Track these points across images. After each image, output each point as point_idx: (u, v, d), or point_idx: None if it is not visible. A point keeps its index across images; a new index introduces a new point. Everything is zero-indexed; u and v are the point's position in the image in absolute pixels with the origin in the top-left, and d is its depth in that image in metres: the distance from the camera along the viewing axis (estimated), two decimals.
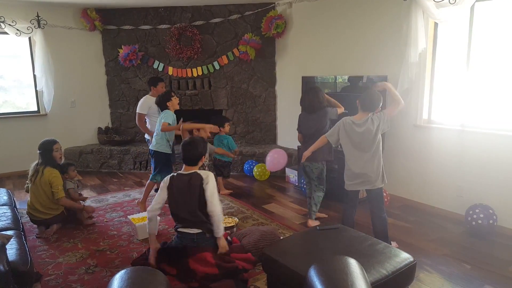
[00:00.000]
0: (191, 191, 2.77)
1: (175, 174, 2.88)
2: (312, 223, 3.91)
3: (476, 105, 3.89)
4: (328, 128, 3.71)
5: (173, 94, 4.23)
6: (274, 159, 4.52)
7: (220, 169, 4.84)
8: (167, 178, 2.89)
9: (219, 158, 4.77)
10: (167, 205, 2.95)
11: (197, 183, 2.77)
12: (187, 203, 2.78)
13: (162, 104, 4.21)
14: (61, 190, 3.71)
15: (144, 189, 4.44)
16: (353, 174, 3.26)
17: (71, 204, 3.85)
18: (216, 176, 4.76)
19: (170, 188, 2.84)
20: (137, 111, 4.69)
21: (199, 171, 2.84)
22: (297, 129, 4.02)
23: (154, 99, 4.45)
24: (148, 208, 2.96)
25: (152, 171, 4.35)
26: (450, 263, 3.13)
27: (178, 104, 4.29)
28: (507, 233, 3.62)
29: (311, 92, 3.85)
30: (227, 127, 4.79)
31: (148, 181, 4.33)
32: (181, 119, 4.17)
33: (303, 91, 3.87)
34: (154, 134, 4.28)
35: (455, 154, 3.99)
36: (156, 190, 4.16)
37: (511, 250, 3.33)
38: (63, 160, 4.03)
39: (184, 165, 2.91)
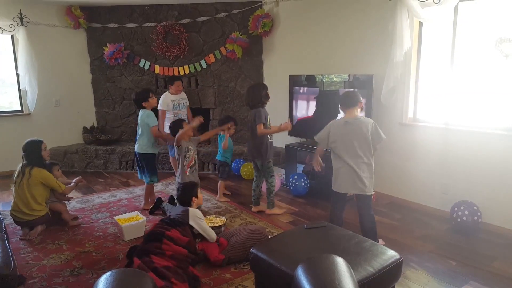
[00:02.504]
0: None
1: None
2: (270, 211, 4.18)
3: (460, 104, 3.94)
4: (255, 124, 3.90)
5: (151, 94, 4.22)
6: None
7: (218, 169, 4.73)
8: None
9: (218, 159, 4.69)
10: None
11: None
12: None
13: (138, 103, 4.23)
14: (59, 184, 3.77)
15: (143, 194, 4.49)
16: (342, 177, 3.25)
17: (72, 188, 3.97)
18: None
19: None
20: (158, 107, 4.90)
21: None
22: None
23: (171, 96, 5.08)
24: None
25: (145, 174, 4.31)
26: (436, 259, 3.17)
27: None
28: (491, 230, 3.69)
29: (251, 87, 4.04)
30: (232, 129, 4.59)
31: (146, 185, 4.35)
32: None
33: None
34: (138, 136, 4.26)
35: (440, 152, 4.05)
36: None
37: (495, 246, 3.40)
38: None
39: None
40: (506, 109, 3.58)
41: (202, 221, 3.18)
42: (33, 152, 3.69)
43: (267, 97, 3.99)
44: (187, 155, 3.92)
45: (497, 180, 3.65)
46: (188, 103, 5.46)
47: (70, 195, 4.36)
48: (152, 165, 4.30)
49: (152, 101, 4.22)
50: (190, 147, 3.93)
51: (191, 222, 3.09)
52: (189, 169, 3.93)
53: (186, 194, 3.26)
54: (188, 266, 2.82)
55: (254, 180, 4.24)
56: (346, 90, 3.49)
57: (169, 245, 2.83)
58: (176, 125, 4.00)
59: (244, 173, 5.43)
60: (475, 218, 3.61)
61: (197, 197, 3.31)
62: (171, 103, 5.06)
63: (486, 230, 3.68)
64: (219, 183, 4.69)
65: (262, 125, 3.89)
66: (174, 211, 3.24)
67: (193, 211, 3.16)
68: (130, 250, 2.99)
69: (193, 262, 2.92)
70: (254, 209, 4.24)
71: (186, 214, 3.12)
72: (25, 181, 3.59)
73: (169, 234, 2.89)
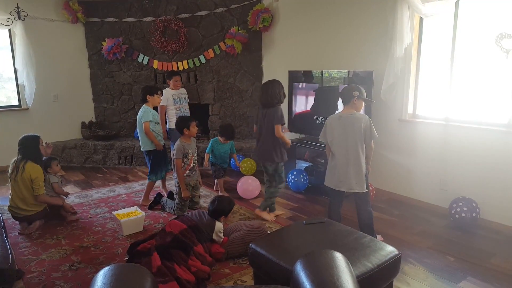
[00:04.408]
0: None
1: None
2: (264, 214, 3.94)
3: (460, 100, 3.94)
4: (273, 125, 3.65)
5: (159, 92, 4.31)
6: (245, 190, 4.56)
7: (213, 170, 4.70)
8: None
9: (211, 161, 4.65)
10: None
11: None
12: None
13: (143, 95, 4.26)
14: (42, 187, 3.64)
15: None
16: (334, 173, 3.26)
17: (50, 200, 3.78)
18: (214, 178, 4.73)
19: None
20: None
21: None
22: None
23: (171, 91, 5.10)
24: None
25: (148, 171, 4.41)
26: (434, 255, 3.18)
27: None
28: (489, 226, 3.69)
29: (269, 84, 3.73)
30: (224, 141, 4.57)
31: (147, 181, 4.39)
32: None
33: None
34: (138, 132, 4.33)
35: (439, 148, 4.04)
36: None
37: (493, 243, 3.40)
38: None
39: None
40: (506, 106, 3.57)
41: (221, 234, 3.20)
42: (30, 147, 3.66)
43: (284, 96, 3.75)
44: (185, 160, 3.89)
45: (496, 177, 3.65)
46: (188, 100, 5.45)
47: (67, 190, 4.37)
48: (152, 162, 4.30)
49: (157, 99, 4.28)
50: (189, 150, 3.91)
51: (214, 237, 3.13)
52: (188, 171, 3.91)
53: (217, 211, 3.23)
54: (205, 280, 2.79)
55: (266, 186, 3.96)
56: (345, 85, 3.40)
57: (195, 262, 2.83)
58: (184, 121, 3.96)
59: (244, 168, 5.42)
60: (474, 214, 3.62)
61: (226, 216, 3.33)
62: (171, 97, 5.09)
63: (484, 227, 3.69)
64: (216, 181, 4.68)
65: (280, 127, 3.65)
66: (201, 218, 3.19)
67: (218, 227, 3.18)
68: (131, 246, 2.98)
69: (208, 278, 2.86)
70: (272, 214, 4.00)
71: (212, 228, 3.13)
72: (19, 176, 3.57)
73: (197, 250, 2.90)
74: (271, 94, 3.66)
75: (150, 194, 4.39)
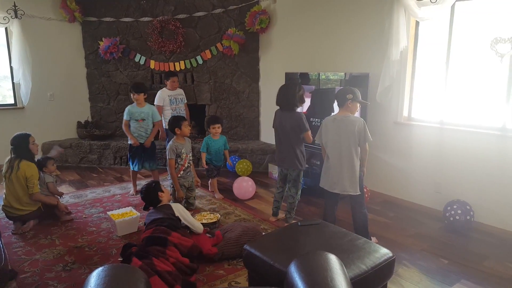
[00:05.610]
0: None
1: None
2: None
3: (455, 103, 3.96)
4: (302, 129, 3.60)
5: (144, 94, 4.49)
6: (241, 190, 4.57)
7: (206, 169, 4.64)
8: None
9: (209, 161, 4.61)
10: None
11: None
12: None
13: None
14: (36, 185, 3.62)
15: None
16: (328, 174, 3.27)
17: (44, 199, 3.76)
18: (209, 177, 4.70)
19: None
20: (155, 103, 5.10)
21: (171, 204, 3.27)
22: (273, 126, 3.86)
23: (168, 92, 5.20)
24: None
25: None
26: (428, 258, 3.19)
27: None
28: (483, 229, 3.71)
29: (287, 87, 3.69)
30: (211, 130, 4.52)
31: None
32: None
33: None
34: None
35: (434, 151, 4.06)
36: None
37: (487, 246, 3.42)
38: (39, 153, 3.95)
39: None
40: (500, 109, 3.60)
41: (187, 213, 3.22)
42: (20, 146, 3.65)
43: (304, 99, 3.68)
44: (179, 160, 3.88)
45: (490, 180, 3.67)
46: (185, 100, 5.45)
47: (62, 190, 4.36)
48: (129, 153, 4.64)
49: (137, 96, 4.45)
50: (183, 150, 3.90)
51: (177, 214, 3.13)
52: (182, 172, 3.90)
53: (150, 193, 3.28)
54: (186, 275, 2.74)
55: (279, 191, 3.92)
56: (341, 87, 3.41)
57: (173, 252, 2.80)
58: (175, 121, 3.95)
59: (240, 169, 5.42)
60: (468, 217, 3.63)
61: (162, 191, 3.32)
62: (168, 98, 5.15)
63: (478, 229, 3.71)
64: (210, 181, 4.68)
65: (309, 132, 3.61)
66: (158, 212, 3.15)
67: (175, 205, 3.20)
68: (124, 247, 2.97)
69: (191, 272, 2.80)
70: (272, 219, 3.94)
71: (170, 208, 3.16)
72: (14, 175, 3.56)
73: (172, 240, 2.86)
74: (292, 95, 3.58)
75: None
